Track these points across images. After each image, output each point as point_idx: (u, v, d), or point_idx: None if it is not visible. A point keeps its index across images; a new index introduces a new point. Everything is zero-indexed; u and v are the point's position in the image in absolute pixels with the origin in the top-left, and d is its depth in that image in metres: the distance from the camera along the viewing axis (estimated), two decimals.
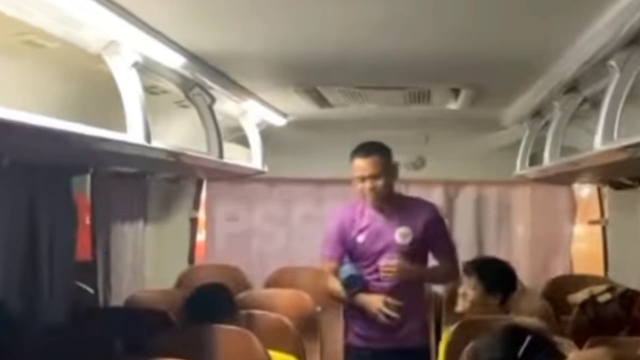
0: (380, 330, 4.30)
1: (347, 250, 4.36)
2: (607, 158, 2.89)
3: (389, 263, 4.22)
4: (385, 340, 4.32)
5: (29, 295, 3.50)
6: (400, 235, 4.29)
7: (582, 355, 2.65)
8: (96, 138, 2.42)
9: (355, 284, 4.28)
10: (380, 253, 4.28)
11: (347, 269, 4.30)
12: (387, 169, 4.27)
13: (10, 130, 1.96)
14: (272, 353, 3.65)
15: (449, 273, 4.51)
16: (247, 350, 3.47)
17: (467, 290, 4.22)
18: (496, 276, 4.25)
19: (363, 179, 4.23)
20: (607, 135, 2.71)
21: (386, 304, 4.20)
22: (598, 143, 2.73)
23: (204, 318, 3.60)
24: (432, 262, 4.51)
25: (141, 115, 2.77)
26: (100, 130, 2.43)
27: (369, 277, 4.30)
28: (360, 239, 4.32)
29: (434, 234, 4.39)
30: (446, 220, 4.78)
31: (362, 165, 4.24)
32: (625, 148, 2.57)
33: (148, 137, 2.79)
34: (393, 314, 4.19)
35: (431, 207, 4.51)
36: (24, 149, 2.60)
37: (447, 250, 4.49)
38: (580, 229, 6.67)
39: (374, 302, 4.23)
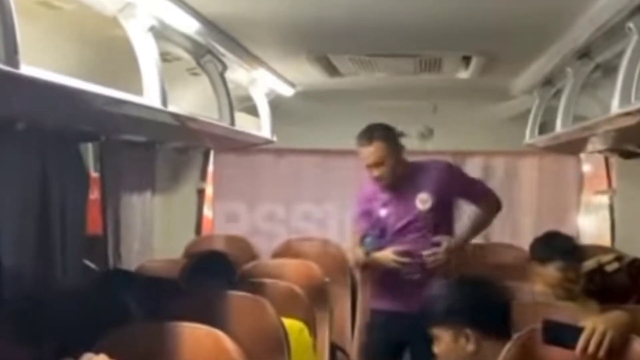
0: (405, 293, 4.33)
1: (371, 223, 4.43)
2: (624, 122, 2.88)
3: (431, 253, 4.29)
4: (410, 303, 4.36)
5: (42, 261, 3.50)
6: (421, 201, 4.33)
7: (600, 317, 2.66)
8: (114, 99, 2.41)
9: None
10: (405, 227, 4.35)
11: (372, 240, 4.39)
12: (391, 152, 4.30)
13: (31, 88, 1.95)
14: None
15: (492, 210, 4.66)
16: (260, 317, 3.47)
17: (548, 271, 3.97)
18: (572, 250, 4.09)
19: (369, 166, 4.29)
20: (625, 99, 2.71)
21: (396, 253, 4.28)
22: (615, 106, 2.72)
23: (203, 285, 3.63)
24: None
25: (158, 80, 2.77)
26: (118, 92, 2.43)
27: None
28: (383, 213, 4.38)
29: (458, 188, 4.48)
30: None
31: (365, 153, 4.29)
32: None
33: (164, 101, 2.79)
34: (406, 260, 4.26)
35: (443, 165, 4.55)
36: (41, 109, 2.59)
37: (480, 191, 4.61)
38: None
39: (386, 256, 4.31)
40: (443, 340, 2.83)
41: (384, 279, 4.45)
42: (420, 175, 4.38)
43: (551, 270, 3.91)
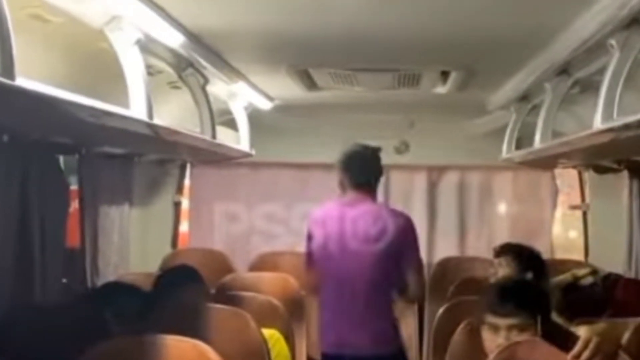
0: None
1: None
2: (606, 137, 2.92)
3: None
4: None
5: (21, 275, 3.48)
6: None
7: (596, 328, 2.72)
8: (103, 111, 2.42)
9: None
10: None
11: None
12: None
13: (26, 100, 1.95)
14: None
15: None
16: (241, 329, 3.48)
17: (499, 270, 4.39)
18: (530, 258, 4.45)
19: None
20: (607, 115, 2.74)
21: None
22: (598, 122, 2.75)
23: (175, 298, 3.64)
24: None
25: (144, 92, 2.77)
26: (107, 105, 2.44)
27: None
28: None
29: None
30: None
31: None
32: (627, 126, 2.60)
33: (150, 114, 2.79)
34: None
35: None
36: (33, 121, 2.59)
37: None
38: None
39: None
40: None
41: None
42: None
43: None
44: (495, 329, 3.04)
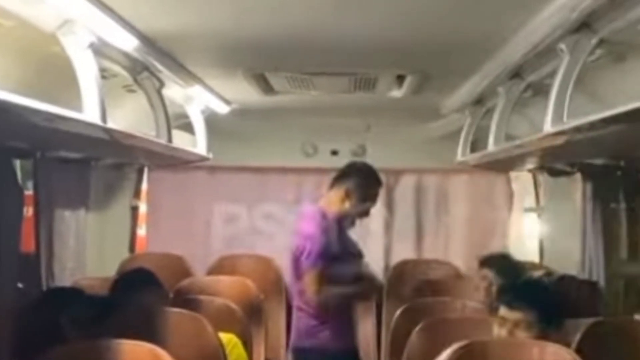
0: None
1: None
2: (556, 140, 2.96)
3: None
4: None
5: None
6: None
7: None
8: (54, 115, 2.41)
9: None
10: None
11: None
12: None
13: None
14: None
15: None
16: (198, 334, 3.48)
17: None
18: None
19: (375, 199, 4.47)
20: (557, 117, 2.78)
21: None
22: (548, 124, 2.79)
23: (132, 302, 3.64)
24: None
25: (97, 96, 2.76)
26: (58, 108, 2.42)
27: None
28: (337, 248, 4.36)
29: None
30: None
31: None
32: (576, 129, 2.64)
33: (104, 118, 2.78)
34: None
35: None
36: None
37: None
38: None
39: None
40: None
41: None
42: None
43: None
44: None
